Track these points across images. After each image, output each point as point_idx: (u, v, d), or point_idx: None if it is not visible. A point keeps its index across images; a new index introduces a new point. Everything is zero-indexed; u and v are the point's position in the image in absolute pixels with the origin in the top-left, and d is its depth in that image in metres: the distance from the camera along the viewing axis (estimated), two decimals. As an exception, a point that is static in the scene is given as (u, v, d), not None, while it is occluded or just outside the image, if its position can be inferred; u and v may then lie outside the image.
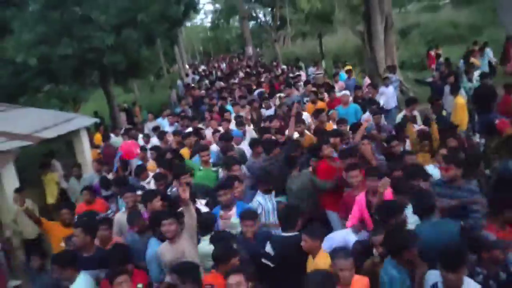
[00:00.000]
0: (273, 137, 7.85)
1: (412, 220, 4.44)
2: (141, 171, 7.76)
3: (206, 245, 4.90)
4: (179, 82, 24.82)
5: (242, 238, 4.91)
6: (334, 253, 3.86)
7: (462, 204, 4.75)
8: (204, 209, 5.82)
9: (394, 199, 4.80)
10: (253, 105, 11.65)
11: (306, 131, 8.23)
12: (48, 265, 5.27)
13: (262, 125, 9.32)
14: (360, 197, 5.18)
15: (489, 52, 14.15)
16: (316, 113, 8.99)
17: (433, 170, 5.73)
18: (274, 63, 24.60)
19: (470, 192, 4.83)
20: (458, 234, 4.04)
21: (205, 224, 5.11)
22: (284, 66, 21.15)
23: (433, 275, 3.49)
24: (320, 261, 4.17)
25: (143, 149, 9.17)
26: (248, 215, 4.95)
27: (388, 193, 4.90)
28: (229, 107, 12.36)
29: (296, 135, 7.97)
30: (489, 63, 13.76)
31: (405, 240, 3.71)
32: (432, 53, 17.74)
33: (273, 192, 5.95)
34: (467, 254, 3.49)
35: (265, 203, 5.76)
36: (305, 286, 3.38)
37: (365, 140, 6.49)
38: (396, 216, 4.24)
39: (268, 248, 4.61)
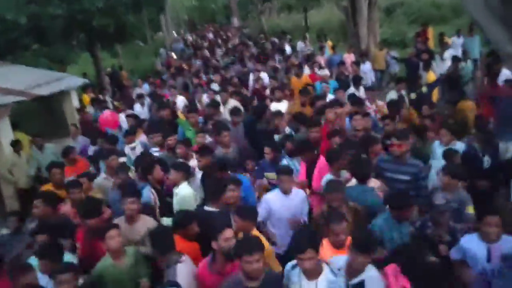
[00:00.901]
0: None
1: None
2: (129, 134, 7.74)
3: (185, 188, 5.22)
4: (161, 50, 24.80)
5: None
6: (330, 216, 4.01)
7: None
8: None
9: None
10: (233, 81, 11.75)
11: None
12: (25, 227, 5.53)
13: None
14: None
15: None
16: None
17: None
18: (262, 35, 24.74)
19: (415, 166, 5.15)
20: (371, 202, 4.56)
21: (185, 169, 5.40)
22: (276, 40, 21.24)
23: (340, 260, 3.61)
24: None
25: (133, 116, 9.10)
26: (233, 181, 4.97)
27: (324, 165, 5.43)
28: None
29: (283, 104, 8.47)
30: None
31: (407, 200, 4.29)
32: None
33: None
34: (377, 241, 3.65)
35: (293, 166, 5.78)
36: (293, 242, 3.46)
37: (357, 115, 6.47)
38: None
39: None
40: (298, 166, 5.87)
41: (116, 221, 4.81)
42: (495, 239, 3.74)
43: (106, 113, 10.18)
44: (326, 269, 3.44)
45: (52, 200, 5.32)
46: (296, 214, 4.85)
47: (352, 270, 3.41)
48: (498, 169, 5.55)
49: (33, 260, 4.30)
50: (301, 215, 4.93)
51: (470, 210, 4.64)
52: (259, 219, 4.77)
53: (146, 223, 4.74)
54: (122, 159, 6.81)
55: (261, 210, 4.82)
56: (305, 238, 3.37)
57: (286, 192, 4.82)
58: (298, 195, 4.93)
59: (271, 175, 5.78)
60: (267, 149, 5.93)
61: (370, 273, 3.42)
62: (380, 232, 4.23)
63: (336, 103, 7.29)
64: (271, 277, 3.46)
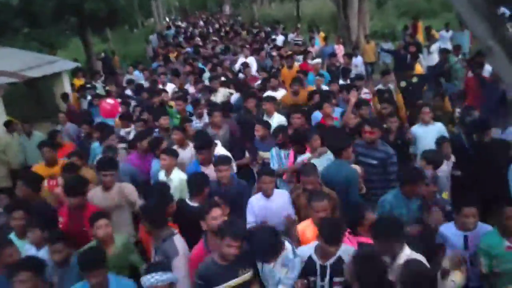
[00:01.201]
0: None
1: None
2: (124, 119, 7.85)
3: (179, 173, 5.38)
4: (151, 37, 24.64)
5: (217, 184, 4.94)
6: (311, 195, 4.05)
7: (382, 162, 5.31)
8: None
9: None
10: (224, 65, 11.97)
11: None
12: None
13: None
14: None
15: None
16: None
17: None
18: (256, 23, 24.79)
19: (386, 152, 5.30)
20: (350, 171, 4.76)
21: (177, 155, 5.50)
22: (269, 29, 21.26)
23: (306, 250, 3.65)
24: None
25: (126, 104, 9.24)
26: (222, 161, 4.98)
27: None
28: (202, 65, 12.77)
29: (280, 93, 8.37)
30: None
31: (419, 175, 4.43)
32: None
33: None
34: (345, 228, 3.60)
35: (281, 156, 5.83)
36: (258, 248, 3.43)
37: (351, 114, 6.48)
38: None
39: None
40: (285, 157, 5.88)
41: (92, 191, 4.94)
42: (472, 228, 3.87)
43: (106, 103, 9.44)
44: (288, 248, 3.56)
45: (33, 182, 5.22)
46: (280, 214, 4.65)
47: (325, 254, 3.48)
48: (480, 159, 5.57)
49: (13, 237, 4.32)
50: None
51: (444, 196, 4.90)
52: (250, 225, 4.66)
53: (122, 189, 4.96)
54: (122, 145, 6.85)
55: (248, 215, 4.73)
56: (271, 248, 3.40)
57: (267, 194, 4.70)
58: (280, 197, 4.79)
59: (264, 154, 5.96)
60: (257, 127, 6.07)
61: (345, 248, 3.50)
62: (390, 208, 4.38)
63: (331, 94, 7.40)
64: (242, 253, 3.51)
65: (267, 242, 3.39)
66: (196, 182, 4.65)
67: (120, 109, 9.02)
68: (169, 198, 4.56)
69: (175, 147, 6.09)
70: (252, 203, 4.77)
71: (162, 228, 3.94)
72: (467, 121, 6.21)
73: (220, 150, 5.84)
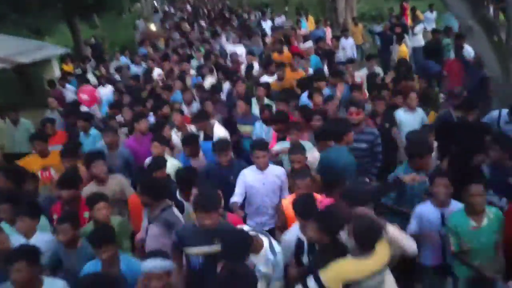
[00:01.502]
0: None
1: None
2: (115, 107, 7.87)
3: (172, 160, 5.46)
4: (137, 21, 24.34)
5: (217, 166, 5.00)
6: (294, 173, 4.16)
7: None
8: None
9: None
10: (215, 53, 11.91)
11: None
12: None
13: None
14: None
15: None
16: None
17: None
18: (246, 8, 24.63)
19: (372, 134, 5.43)
20: (349, 158, 4.84)
21: (168, 143, 5.69)
22: (259, 13, 21.16)
23: (293, 233, 3.72)
24: None
25: (119, 91, 9.21)
26: (223, 146, 5.02)
27: None
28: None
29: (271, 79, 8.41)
30: None
31: (426, 147, 4.54)
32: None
33: None
34: (316, 206, 3.63)
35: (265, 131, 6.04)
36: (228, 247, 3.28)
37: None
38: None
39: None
40: (270, 133, 5.95)
41: (87, 187, 4.93)
42: (445, 200, 3.93)
43: (83, 94, 9.42)
44: (265, 245, 3.52)
45: (13, 175, 5.09)
46: (272, 190, 4.79)
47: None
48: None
49: (4, 225, 4.22)
50: (281, 191, 4.86)
51: None
52: (235, 199, 4.70)
53: (116, 182, 5.01)
54: (124, 129, 6.97)
55: (237, 186, 4.75)
56: (241, 248, 3.27)
57: (261, 168, 4.73)
58: (273, 171, 4.83)
59: (244, 128, 6.24)
60: (239, 102, 6.33)
61: None
62: None
63: (322, 75, 7.57)
64: (225, 228, 3.55)
65: (235, 245, 3.25)
66: (184, 178, 4.62)
67: (97, 98, 9.32)
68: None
69: (174, 130, 6.28)
70: (245, 174, 4.80)
71: (161, 199, 4.09)
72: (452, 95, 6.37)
73: (217, 128, 6.03)
